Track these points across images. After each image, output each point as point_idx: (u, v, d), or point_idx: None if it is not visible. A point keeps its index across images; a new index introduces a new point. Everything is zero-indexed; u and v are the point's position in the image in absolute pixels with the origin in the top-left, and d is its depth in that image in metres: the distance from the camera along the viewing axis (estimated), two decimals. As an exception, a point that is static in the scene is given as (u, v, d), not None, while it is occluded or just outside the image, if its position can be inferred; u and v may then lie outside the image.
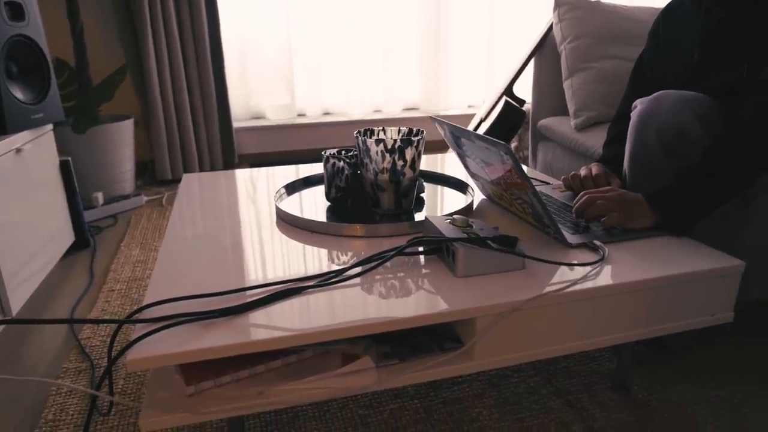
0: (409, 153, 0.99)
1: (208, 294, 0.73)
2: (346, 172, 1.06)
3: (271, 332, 0.65)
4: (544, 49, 1.87)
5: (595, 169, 1.13)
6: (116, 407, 0.98)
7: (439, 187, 1.21)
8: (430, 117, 1.11)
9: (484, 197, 1.16)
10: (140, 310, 0.70)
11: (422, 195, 1.16)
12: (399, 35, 3.13)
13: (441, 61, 3.21)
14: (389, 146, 0.97)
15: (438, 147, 3.27)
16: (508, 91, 1.97)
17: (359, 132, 1.03)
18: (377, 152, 0.98)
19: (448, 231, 0.83)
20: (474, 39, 3.26)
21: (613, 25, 1.69)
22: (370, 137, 1.07)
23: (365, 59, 3.10)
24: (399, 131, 1.08)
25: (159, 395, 0.68)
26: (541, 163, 1.91)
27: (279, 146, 3.03)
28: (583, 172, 1.15)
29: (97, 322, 0.67)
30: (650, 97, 1.05)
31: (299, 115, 3.14)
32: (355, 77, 3.12)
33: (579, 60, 1.68)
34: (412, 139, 0.98)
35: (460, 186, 1.19)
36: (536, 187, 1.21)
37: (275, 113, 3.06)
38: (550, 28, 1.85)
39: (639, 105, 1.07)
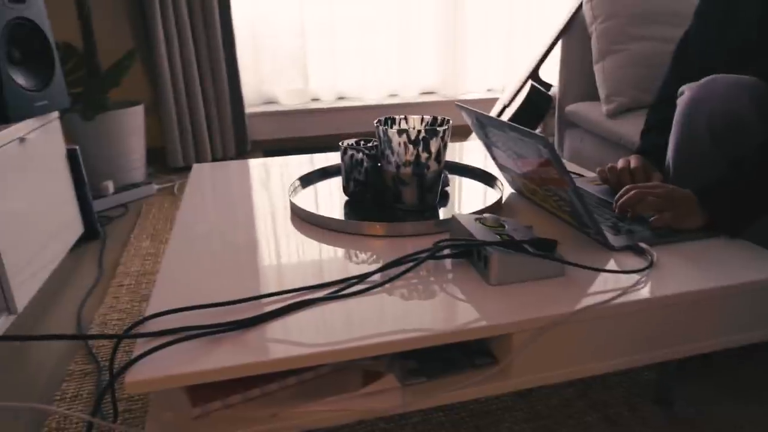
0: (434, 144, 0.91)
1: (217, 303, 0.66)
2: (365, 164, 0.99)
3: (287, 349, 0.58)
4: (572, 30, 1.77)
5: (633, 161, 1.04)
6: (121, 422, 0.93)
7: (464, 179, 1.13)
8: (456, 104, 1.03)
9: (514, 191, 1.08)
10: (142, 321, 0.64)
11: (447, 189, 1.08)
12: (415, 17, 3.03)
13: (459, 44, 3.10)
14: (413, 137, 0.89)
15: (458, 133, 3.17)
16: (534, 74, 1.87)
17: (380, 121, 0.95)
18: (400, 143, 0.90)
19: (478, 232, 0.75)
20: (493, 20, 3.14)
21: (648, 3, 1.58)
22: (391, 126, 0.99)
23: (381, 42, 3.00)
24: (422, 120, 1.00)
25: (163, 417, 0.62)
26: (569, 150, 1.82)
27: (292, 132, 2.95)
28: (620, 164, 1.06)
29: (92, 337, 0.61)
30: (700, 82, 0.96)
31: (313, 99, 3.06)
32: (371, 61, 3.02)
33: (611, 42, 1.57)
34: (438, 129, 0.90)
35: (487, 178, 1.11)
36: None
37: (288, 98, 2.98)
38: (580, 7, 1.74)
39: (687, 91, 0.97)
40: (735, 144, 0.91)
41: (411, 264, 0.73)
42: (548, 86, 1.87)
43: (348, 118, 3.03)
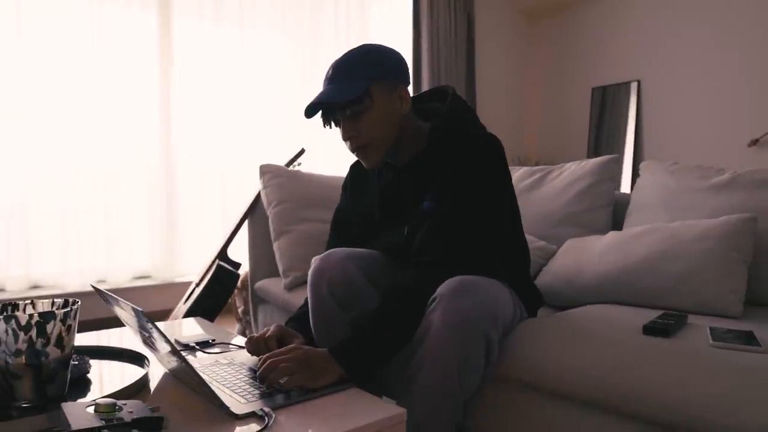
0: (52, 328, 0.84)
1: None
2: (-31, 359, 0.85)
3: None
4: (256, 213, 1.93)
5: (272, 330, 1.09)
6: None
7: (111, 362, 1.06)
8: (91, 284, 0.99)
9: (167, 371, 1.04)
10: None
11: (88, 375, 0.99)
12: (124, 196, 2.93)
13: (174, 225, 3.08)
14: (23, 323, 0.82)
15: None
16: (222, 254, 1.95)
17: (-8, 308, 0.86)
18: (7, 331, 0.81)
19: (81, 419, 0.69)
20: (207, 199, 3.17)
21: (310, 191, 1.84)
22: (14, 312, 0.90)
23: (84, 223, 2.81)
24: (53, 303, 0.94)
25: None
26: (262, 325, 1.87)
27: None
28: (259, 334, 1.11)
29: None
30: (322, 255, 1.11)
31: (-5, 291, 2.66)
32: (72, 245, 2.79)
33: (284, 223, 1.76)
34: (56, 312, 0.84)
35: (137, 359, 1.06)
36: (233, 352, 1.15)
37: (-42, 290, 2.53)
38: (260, 194, 1.93)
39: (313, 262, 1.12)
40: (352, 304, 1.05)
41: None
42: (237, 265, 1.97)
43: (43, 309, 2.68)
